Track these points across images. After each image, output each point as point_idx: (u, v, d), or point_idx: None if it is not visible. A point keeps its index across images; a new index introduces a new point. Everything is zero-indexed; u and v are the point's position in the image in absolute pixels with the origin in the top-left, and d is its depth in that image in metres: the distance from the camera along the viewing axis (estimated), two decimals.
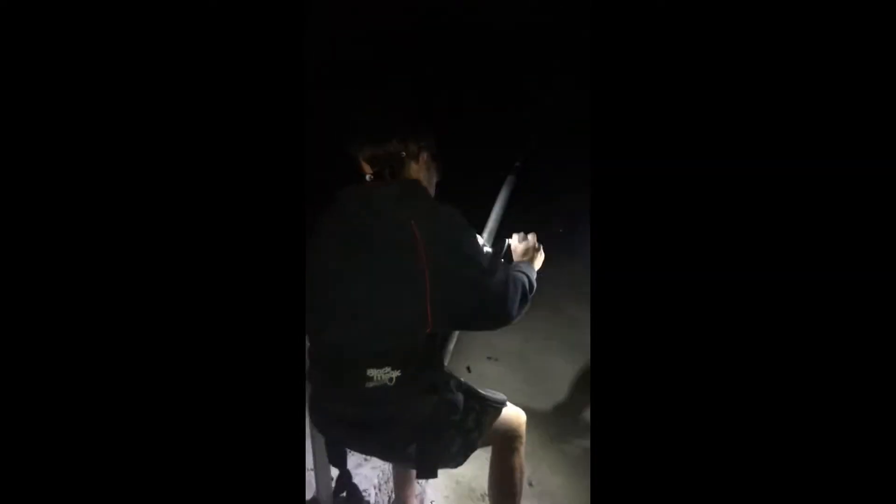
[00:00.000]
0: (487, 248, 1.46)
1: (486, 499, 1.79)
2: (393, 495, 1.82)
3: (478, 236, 1.35)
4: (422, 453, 1.31)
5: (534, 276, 1.37)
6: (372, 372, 1.21)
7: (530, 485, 1.90)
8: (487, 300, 1.22)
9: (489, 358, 2.71)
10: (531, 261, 1.46)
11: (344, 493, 1.51)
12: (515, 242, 1.52)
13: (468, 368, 2.60)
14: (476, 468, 1.92)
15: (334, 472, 1.54)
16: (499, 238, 1.60)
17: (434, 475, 1.34)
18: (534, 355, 2.75)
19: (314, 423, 1.41)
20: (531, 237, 1.52)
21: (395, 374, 1.21)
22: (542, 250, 1.51)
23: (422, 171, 1.36)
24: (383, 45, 5.70)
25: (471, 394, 1.39)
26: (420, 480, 1.80)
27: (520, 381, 2.57)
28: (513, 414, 1.48)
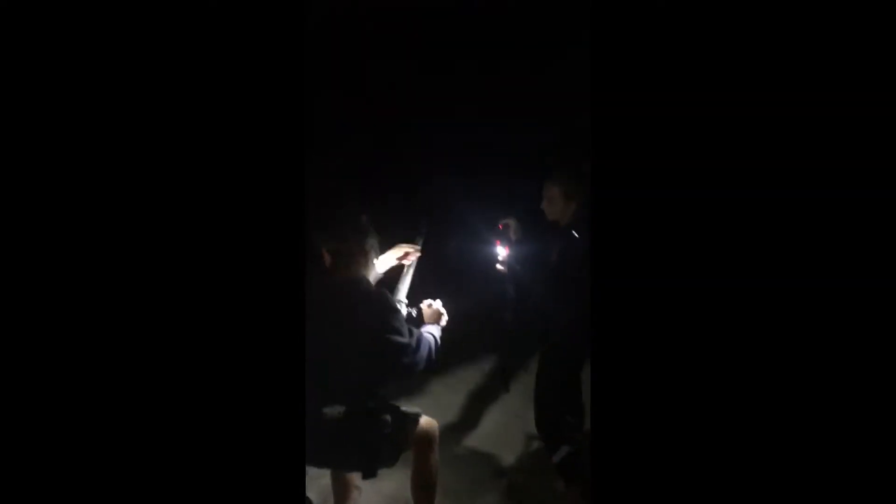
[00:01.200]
0: (405, 305, 1.97)
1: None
2: None
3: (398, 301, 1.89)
4: (364, 458, 1.84)
5: (439, 334, 1.91)
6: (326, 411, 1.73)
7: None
8: (402, 354, 1.77)
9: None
10: (437, 321, 1.98)
11: None
12: (425, 307, 2.02)
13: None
14: (398, 482, 2.36)
15: None
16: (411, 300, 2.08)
17: (374, 474, 1.85)
18: None
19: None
20: (437, 303, 2.02)
21: (342, 409, 1.75)
22: (445, 313, 2.01)
23: (368, 266, 1.88)
24: (384, 44, 5.80)
25: (394, 411, 1.90)
26: (356, 489, 2.23)
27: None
28: (426, 423, 1.98)
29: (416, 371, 1.83)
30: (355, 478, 2.13)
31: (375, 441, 1.84)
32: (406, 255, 2.12)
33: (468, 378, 3.29)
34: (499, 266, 2.25)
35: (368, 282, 1.87)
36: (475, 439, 2.74)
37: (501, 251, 2.24)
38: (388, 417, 1.87)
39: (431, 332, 1.92)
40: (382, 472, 2.47)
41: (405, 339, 1.79)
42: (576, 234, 2.11)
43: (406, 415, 1.94)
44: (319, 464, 1.95)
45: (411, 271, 2.12)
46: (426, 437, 1.98)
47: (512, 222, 2.27)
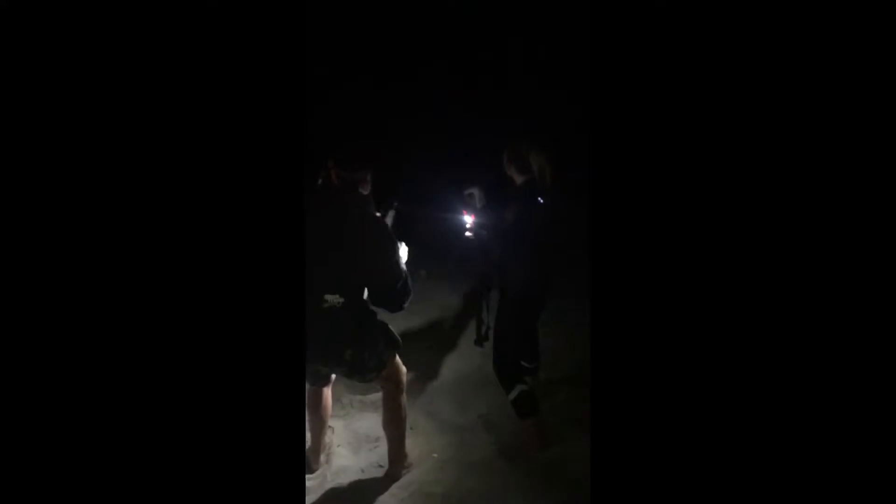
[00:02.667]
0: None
1: (379, 441, 2.47)
2: (309, 444, 2.44)
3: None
4: (353, 356, 2.06)
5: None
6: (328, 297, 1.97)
7: (411, 428, 2.60)
8: (394, 290, 2.04)
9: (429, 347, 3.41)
10: None
11: None
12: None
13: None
14: (370, 422, 2.61)
15: None
16: None
17: (358, 374, 2.14)
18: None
19: None
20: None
21: (342, 300, 1.98)
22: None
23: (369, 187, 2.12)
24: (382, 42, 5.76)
25: (383, 327, 2.17)
26: (329, 429, 2.46)
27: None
28: (398, 365, 2.25)
29: (403, 301, 2.09)
30: (327, 414, 2.36)
31: (363, 344, 2.07)
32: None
33: (443, 332, 3.53)
34: (467, 233, 2.48)
35: (373, 207, 2.09)
36: (442, 387, 2.98)
37: (468, 218, 2.46)
38: (376, 329, 2.14)
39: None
40: (354, 413, 2.73)
41: (402, 267, 2.06)
42: (540, 200, 2.31)
43: (390, 333, 2.18)
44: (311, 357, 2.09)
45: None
46: (396, 375, 2.25)
47: (476, 191, 2.48)
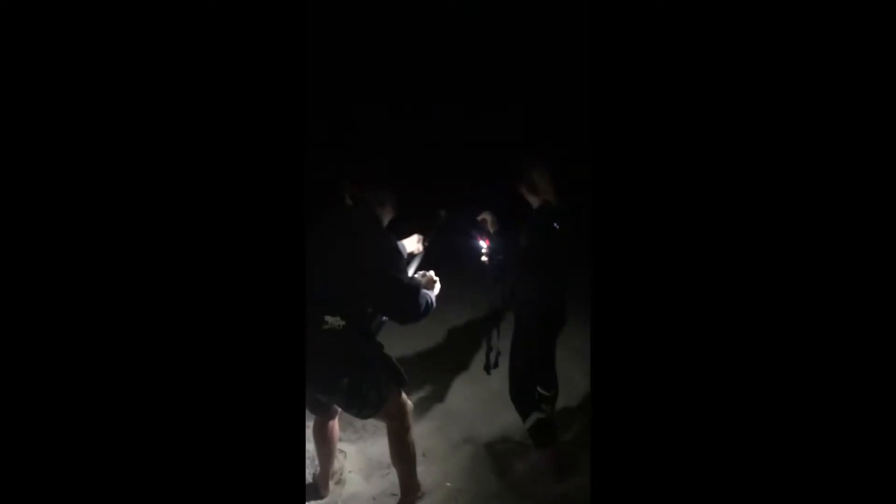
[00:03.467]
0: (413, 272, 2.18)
1: (392, 468, 2.42)
2: (317, 471, 2.40)
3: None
4: (350, 385, 1.96)
5: (432, 299, 2.08)
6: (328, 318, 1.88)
7: (423, 455, 2.55)
8: (402, 299, 1.95)
9: None
10: (431, 288, 2.15)
11: None
12: (419, 276, 2.21)
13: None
14: (382, 447, 2.56)
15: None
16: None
17: (352, 406, 2.03)
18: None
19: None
20: (430, 273, 2.22)
21: (343, 323, 1.89)
22: (438, 282, 2.21)
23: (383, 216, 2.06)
24: (384, 45, 5.75)
25: (387, 360, 2.06)
26: (341, 453, 2.42)
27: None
28: (403, 402, 2.15)
29: (414, 315, 1.98)
30: (334, 445, 2.32)
31: (361, 377, 1.97)
32: (419, 243, 2.35)
33: (458, 355, 3.48)
34: (483, 258, 2.44)
35: (380, 224, 2.03)
36: (456, 411, 2.93)
37: (483, 243, 2.43)
38: (378, 363, 2.03)
39: (429, 294, 2.09)
40: (367, 437, 2.68)
41: (406, 281, 1.97)
42: (556, 226, 2.26)
43: (395, 368, 2.08)
44: (314, 390, 2.05)
45: (419, 258, 2.33)
46: (400, 412, 2.14)
47: (488, 216, 2.44)
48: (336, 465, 2.41)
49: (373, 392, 1.99)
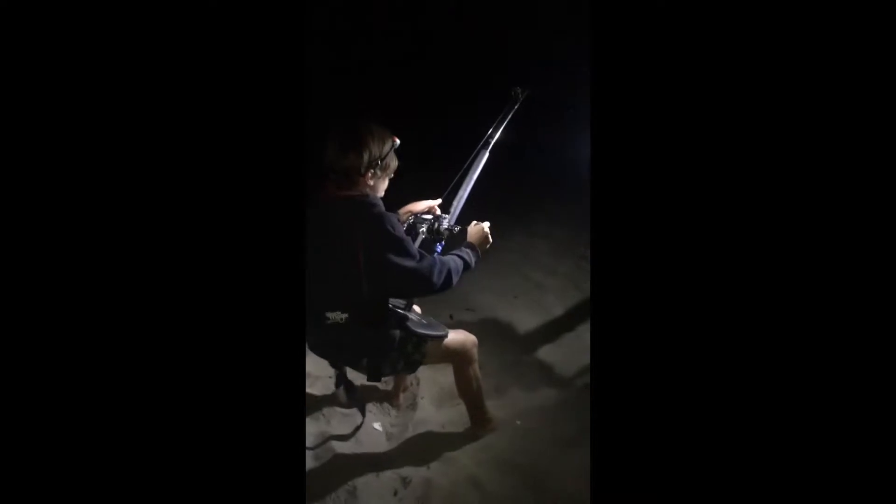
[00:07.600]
0: (447, 226, 2.02)
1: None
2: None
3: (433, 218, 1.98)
4: (369, 365, 1.94)
5: (471, 258, 1.91)
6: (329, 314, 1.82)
7: (518, 423, 2.50)
8: (411, 277, 1.75)
9: (467, 309, 3.32)
10: (479, 243, 1.98)
11: (341, 386, 2.12)
12: (472, 226, 2.04)
13: (451, 316, 3.21)
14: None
15: None
16: (462, 217, 2.08)
17: (378, 380, 1.99)
18: (502, 309, 3.38)
19: (309, 344, 1.99)
20: (485, 225, 2.03)
21: (345, 315, 1.82)
22: (489, 237, 2.02)
23: (380, 187, 1.86)
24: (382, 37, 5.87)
25: (407, 330, 1.94)
26: (415, 378, 2.44)
27: (490, 325, 3.20)
28: (460, 339, 2.08)
29: (433, 291, 1.79)
30: None
31: (383, 353, 1.92)
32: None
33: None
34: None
35: (379, 203, 1.82)
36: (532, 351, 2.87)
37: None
38: (395, 335, 1.92)
39: (463, 254, 1.91)
40: (439, 367, 2.67)
41: (412, 263, 1.74)
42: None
43: (419, 335, 1.96)
44: (336, 359, 2.05)
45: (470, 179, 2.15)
46: (461, 353, 2.09)
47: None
48: (407, 381, 2.46)
49: (400, 361, 1.95)
